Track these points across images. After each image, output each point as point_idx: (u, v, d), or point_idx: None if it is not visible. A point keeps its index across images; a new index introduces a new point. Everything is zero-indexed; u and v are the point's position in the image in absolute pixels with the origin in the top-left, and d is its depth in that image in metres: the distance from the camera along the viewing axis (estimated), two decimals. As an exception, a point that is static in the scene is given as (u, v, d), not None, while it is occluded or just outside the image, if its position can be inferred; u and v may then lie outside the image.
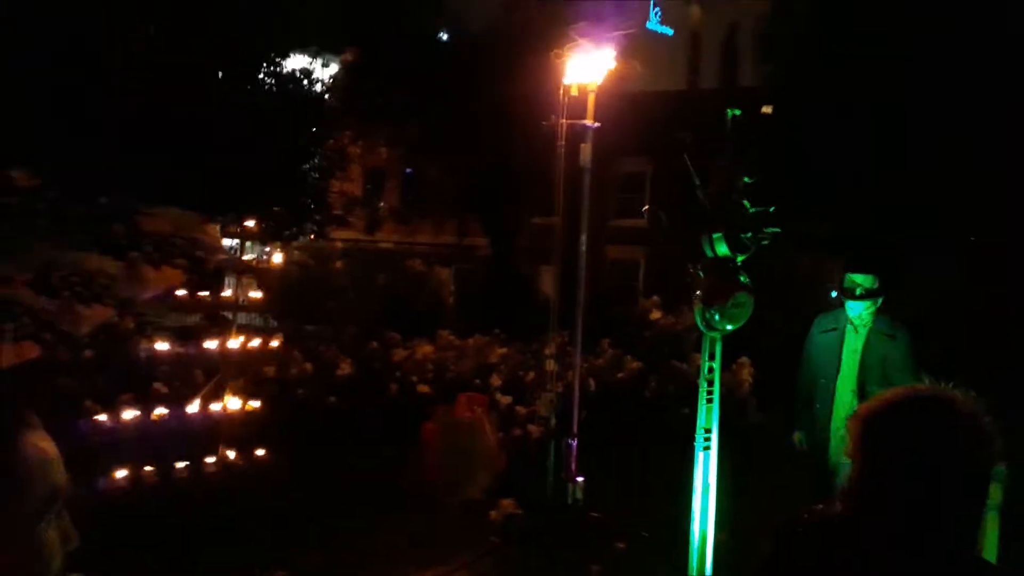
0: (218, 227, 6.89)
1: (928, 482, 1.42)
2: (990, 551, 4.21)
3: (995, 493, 4.22)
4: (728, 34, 24.23)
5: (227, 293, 7.19)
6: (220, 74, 13.16)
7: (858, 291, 4.94)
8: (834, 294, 6.66)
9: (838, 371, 4.95)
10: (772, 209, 4.82)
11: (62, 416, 5.69)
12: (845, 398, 4.89)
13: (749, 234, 4.67)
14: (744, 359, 8.71)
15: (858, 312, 4.97)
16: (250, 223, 6.66)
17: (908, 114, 14.37)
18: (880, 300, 4.98)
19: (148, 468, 6.07)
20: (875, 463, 1.48)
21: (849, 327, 5.01)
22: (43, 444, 1.14)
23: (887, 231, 15.44)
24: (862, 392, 4.75)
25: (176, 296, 6.73)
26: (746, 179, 4.97)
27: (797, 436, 5.22)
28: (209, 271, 6.53)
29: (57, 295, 4.57)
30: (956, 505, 1.44)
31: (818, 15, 15.46)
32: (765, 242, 4.68)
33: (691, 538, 4.77)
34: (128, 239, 5.30)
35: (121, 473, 5.84)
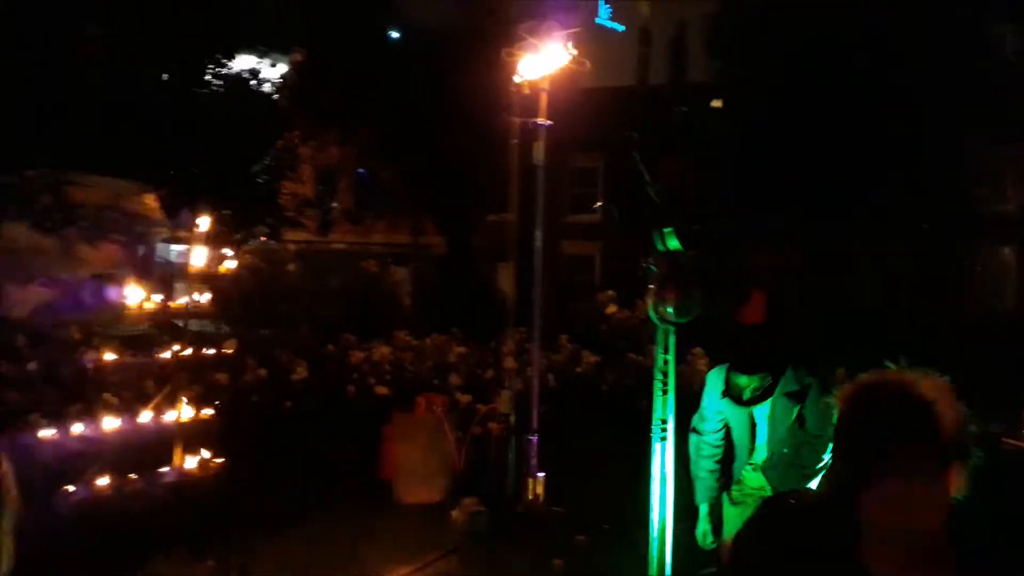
0: (156, 197, 6.69)
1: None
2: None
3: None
4: (677, 31, 24.55)
5: (180, 301, 7.06)
6: (165, 75, 12.89)
7: (747, 394, 4.01)
8: None
9: (750, 451, 4.22)
10: (722, 203, 4.90)
11: (7, 431, 5.54)
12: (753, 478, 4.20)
13: (699, 227, 4.75)
14: (698, 350, 8.85)
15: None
16: (200, 225, 6.54)
17: (854, 103, 14.71)
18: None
19: (101, 481, 5.93)
20: (853, 445, 1.50)
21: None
22: (6, 459, 1.13)
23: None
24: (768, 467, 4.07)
25: (125, 305, 6.58)
26: (695, 174, 5.05)
27: (703, 532, 4.33)
28: (149, 248, 6.34)
29: None
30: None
31: (766, 11, 15.75)
32: (716, 235, 4.76)
33: (650, 528, 4.83)
34: (60, 212, 5.10)
35: (72, 487, 5.69)
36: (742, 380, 4.03)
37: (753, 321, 9.32)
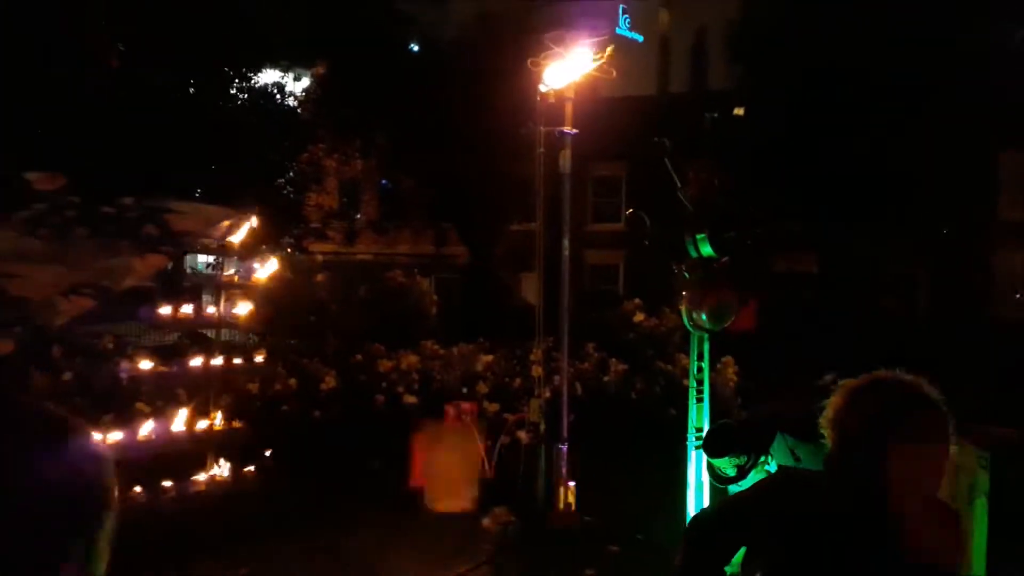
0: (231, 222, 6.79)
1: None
2: (980, 538, 4.27)
3: (983, 480, 4.29)
4: (697, 39, 24.54)
5: (209, 310, 7.13)
6: (191, 90, 13.09)
7: (729, 472, 3.68)
8: None
9: None
10: (753, 209, 4.88)
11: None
12: None
13: (732, 234, 4.73)
14: (728, 358, 8.79)
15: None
16: (233, 237, 6.61)
17: (874, 112, 14.62)
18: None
19: (135, 489, 5.99)
20: (850, 431, 1.77)
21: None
22: (100, 444, 1.12)
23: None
24: None
25: (157, 314, 6.66)
26: (726, 179, 5.03)
27: None
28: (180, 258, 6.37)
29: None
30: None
31: (786, 17, 15.71)
32: (749, 241, 4.74)
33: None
34: (167, 241, 5.19)
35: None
36: (715, 461, 3.64)
37: (744, 328, 9.21)
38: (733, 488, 3.66)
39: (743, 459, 3.56)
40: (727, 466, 3.62)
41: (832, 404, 1.83)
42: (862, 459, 1.75)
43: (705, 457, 3.84)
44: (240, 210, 6.60)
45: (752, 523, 1.90)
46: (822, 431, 1.86)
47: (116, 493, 1.09)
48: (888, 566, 1.73)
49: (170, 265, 6.98)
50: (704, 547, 1.96)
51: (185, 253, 6.41)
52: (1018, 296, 19.95)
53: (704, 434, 4.01)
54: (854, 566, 1.74)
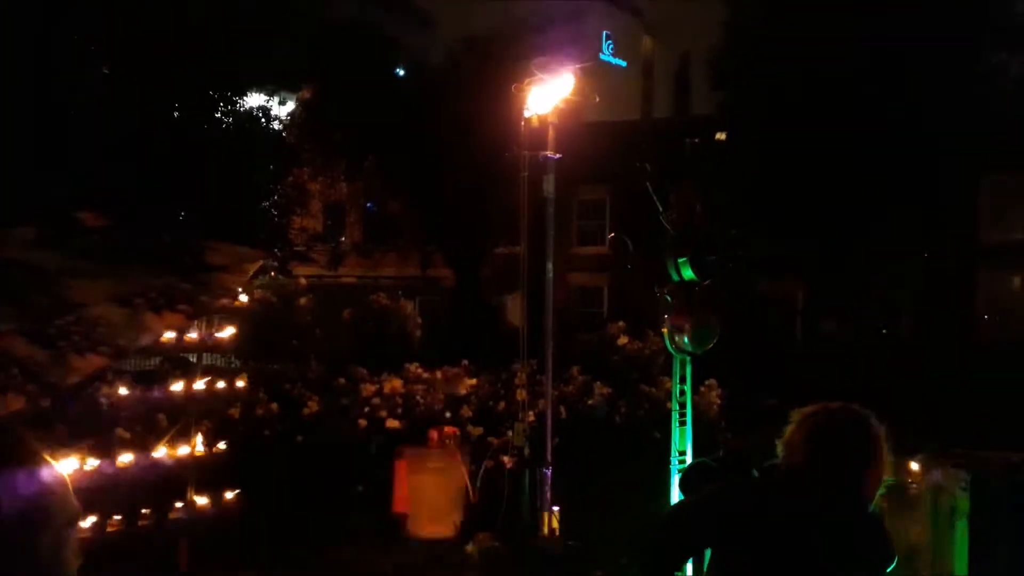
0: (259, 264, 6.84)
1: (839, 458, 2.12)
2: (961, 559, 4.30)
3: (963, 503, 4.33)
4: (680, 64, 24.86)
5: (192, 335, 7.08)
6: (176, 114, 13.07)
7: None
8: None
9: None
10: (735, 233, 4.94)
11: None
12: None
13: (714, 258, 4.77)
14: (712, 381, 8.81)
15: None
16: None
17: (857, 133, 14.82)
18: None
19: (114, 516, 5.90)
20: (810, 450, 2.15)
21: None
22: (55, 472, 1.15)
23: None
24: None
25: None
26: (707, 204, 5.09)
27: None
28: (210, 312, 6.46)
29: (54, 345, 4.52)
30: (857, 473, 2.13)
31: (769, 43, 15.95)
32: (730, 264, 4.79)
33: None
34: (199, 269, 5.29)
35: (85, 523, 5.65)
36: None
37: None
38: None
39: None
40: None
41: (789, 430, 2.20)
42: (847, 476, 2.14)
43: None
44: (262, 251, 6.70)
45: (696, 527, 2.20)
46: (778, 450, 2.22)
47: (71, 503, 1.11)
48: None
49: (187, 327, 6.95)
50: (654, 555, 2.20)
51: (202, 315, 6.42)
52: (987, 318, 20.12)
53: (683, 470, 3.97)
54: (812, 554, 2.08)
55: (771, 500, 2.15)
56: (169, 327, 5.48)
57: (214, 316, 7.30)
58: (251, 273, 6.40)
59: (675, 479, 4.82)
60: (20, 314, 3.12)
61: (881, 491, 2.16)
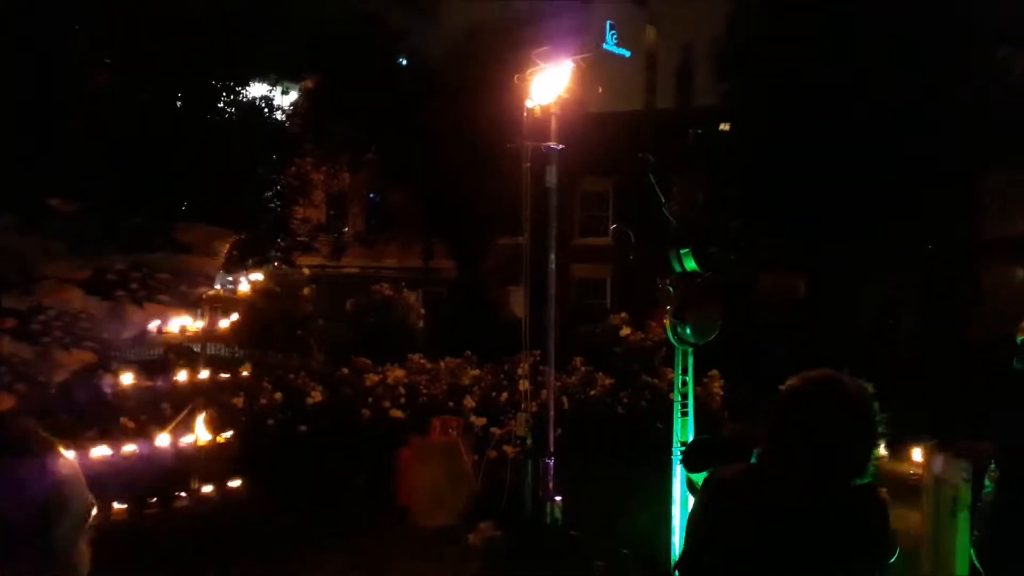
0: (230, 242, 6.89)
1: (824, 440, 1.98)
2: (962, 549, 4.32)
3: (965, 494, 4.34)
4: (683, 55, 24.77)
5: (196, 326, 7.10)
6: (179, 104, 13.06)
7: None
8: None
9: None
10: (737, 224, 4.93)
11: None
12: None
13: (716, 249, 4.77)
14: (714, 372, 8.82)
15: None
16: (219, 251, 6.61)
17: (862, 127, 14.76)
18: None
19: (119, 506, 5.94)
20: (786, 426, 2.04)
21: None
22: (69, 463, 1.16)
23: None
24: None
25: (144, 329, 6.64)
26: (710, 195, 5.09)
27: None
28: (194, 302, 6.52)
29: (38, 342, 4.60)
30: (846, 457, 1.99)
31: (773, 33, 15.87)
32: (733, 256, 4.78)
33: (672, 552, 4.80)
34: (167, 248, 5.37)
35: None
36: (693, 476, 3.49)
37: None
38: None
39: None
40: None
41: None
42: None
43: (684, 472, 3.85)
44: (232, 230, 6.75)
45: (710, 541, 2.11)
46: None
47: (84, 495, 1.13)
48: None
49: (169, 317, 6.99)
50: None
51: (184, 306, 6.48)
52: (989, 312, 20.08)
53: (684, 447, 4.05)
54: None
55: (758, 491, 2.05)
56: (151, 319, 5.52)
57: (217, 307, 7.33)
58: (223, 255, 6.44)
59: (677, 469, 4.83)
60: None
61: (872, 463, 2.01)
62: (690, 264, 4.75)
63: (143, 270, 5.18)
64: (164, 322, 6.72)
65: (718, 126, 18.85)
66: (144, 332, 6.36)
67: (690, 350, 4.89)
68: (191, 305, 7.01)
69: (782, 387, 2.07)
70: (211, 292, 6.89)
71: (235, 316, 7.00)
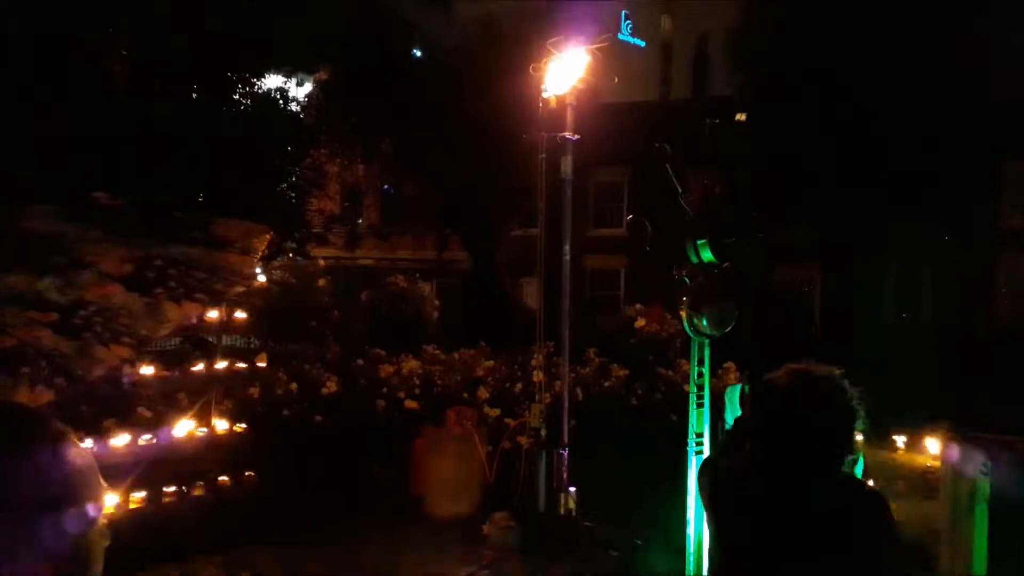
0: (267, 239, 6.91)
1: (801, 431, 2.00)
2: (980, 544, 4.28)
3: (983, 486, 4.30)
4: (699, 45, 24.59)
5: (212, 315, 7.15)
6: (194, 95, 13.11)
7: None
8: None
9: None
10: (754, 215, 4.89)
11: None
12: None
13: (733, 240, 4.74)
14: (730, 364, 8.78)
15: None
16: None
17: (883, 118, 14.61)
18: None
19: (137, 494, 6.01)
20: (762, 419, 2.10)
21: None
22: (82, 452, 1.16)
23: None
24: None
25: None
26: (727, 186, 5.05)
27: None
28: (225, 299, 6.54)
29: (78, 336, 4.64)
30: (824, 446, 2.00)
31: (788, 24, 15.73)
32: (749, 248, 4.75)
33: (687, 542, 4.79)
34: (207, 243, 5.42)
35: (110, 499, 5.76)
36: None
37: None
38: None
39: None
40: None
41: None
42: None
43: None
44: (267, 226, 6.79)
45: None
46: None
47: (93, 498, 1.13)
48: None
49: (204, 315, 7.02)
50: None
51: (219, 304, 6.50)
52: (1007, 302, 19.86)
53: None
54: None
55: (744, 482, 2.12)
56: (188, 317, 5.55)
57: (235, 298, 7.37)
58: (260, 253, 6.47)
59: (692, 461, 4.82)
60: (39, 274, 3.21)
61: (854, 457, 2.07)
62: (707, 255, 4.72)
63: (181, 267, 5.22)
64: (199, 319, 6.79)
65: (734, 116, 18.72)
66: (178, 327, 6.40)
67: (707, 341, 4.87)
68: (226, 302, 7.06)
69: (763, 380, 2.11)
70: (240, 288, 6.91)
71: (244, 310, 7.03)
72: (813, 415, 2.00)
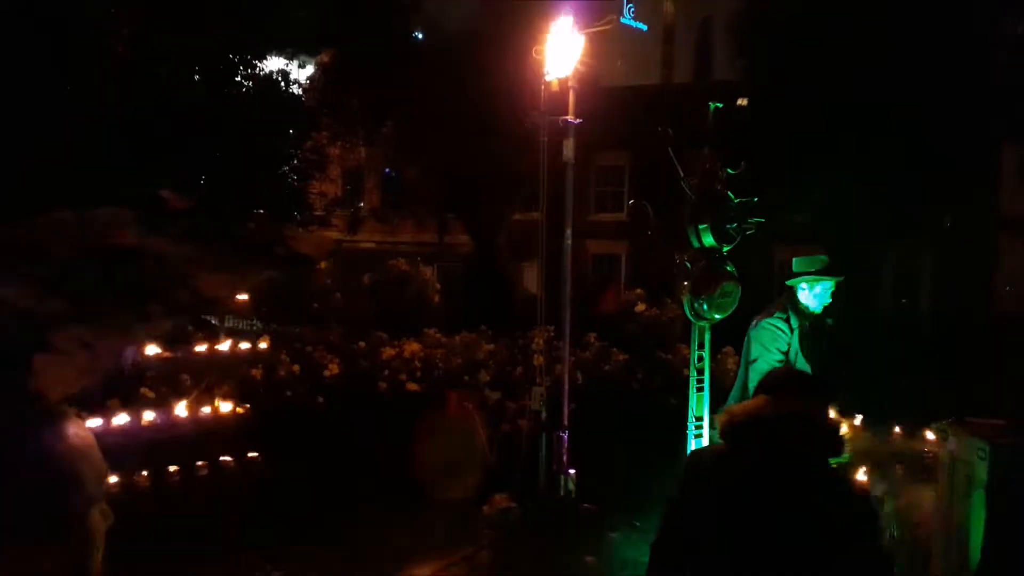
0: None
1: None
2: (977, 529, 4.31)
3: (981, 472, 4.33)
4: (701, 28, 24.43)
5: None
6: (196, 77, 13.07)
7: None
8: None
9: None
10: (756, 200, 4.90)
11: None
12: None
13: (735, 224, 4.75)
14: (729, 348, 8.81)
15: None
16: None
17: (882, 106, 14.57)
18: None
19: (140, 473, 6.06)
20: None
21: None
22: (83, 431, 1.18)
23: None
24: None
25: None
26: (729, 170, 5.05)
27: None
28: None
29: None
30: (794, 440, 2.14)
31: (793, 7, 15.63)
32: (750, 232, 4.76)
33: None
34: (295, 263, 5.36)
35: (111, 479, 5.80)
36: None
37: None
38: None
39: None
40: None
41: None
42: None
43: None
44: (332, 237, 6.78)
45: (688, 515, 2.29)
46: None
47: (94, 477, 1.15)
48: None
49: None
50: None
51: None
52: (1008, 288, 19.86)
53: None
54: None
55: (723, 470, 2.23)
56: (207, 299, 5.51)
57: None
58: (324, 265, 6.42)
59: (691, 444, 4.86)
60: (167, 312, 3.06)
61: (842, 459, 2.19)
62: (708, 239, 4.73)
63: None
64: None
65: (736, 100, 18.62)
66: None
67: (707, 325, 4.90)
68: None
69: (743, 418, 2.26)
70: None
71: (247, 292, 7.04)
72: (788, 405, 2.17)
